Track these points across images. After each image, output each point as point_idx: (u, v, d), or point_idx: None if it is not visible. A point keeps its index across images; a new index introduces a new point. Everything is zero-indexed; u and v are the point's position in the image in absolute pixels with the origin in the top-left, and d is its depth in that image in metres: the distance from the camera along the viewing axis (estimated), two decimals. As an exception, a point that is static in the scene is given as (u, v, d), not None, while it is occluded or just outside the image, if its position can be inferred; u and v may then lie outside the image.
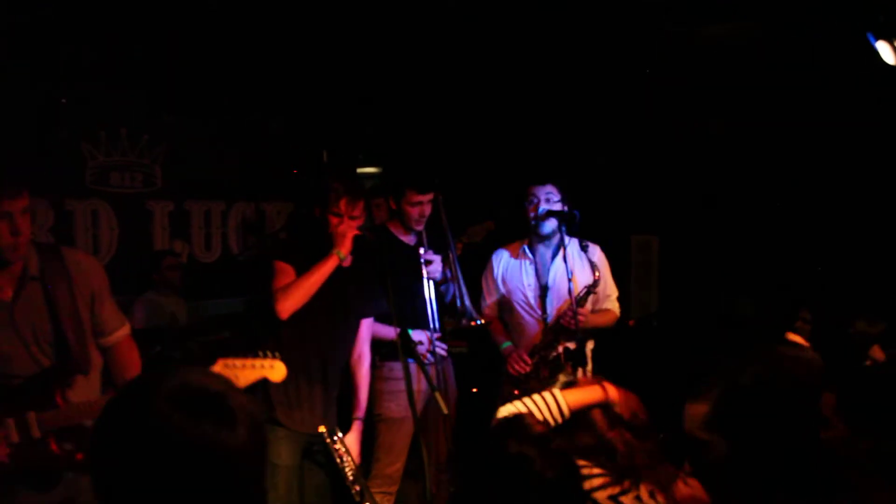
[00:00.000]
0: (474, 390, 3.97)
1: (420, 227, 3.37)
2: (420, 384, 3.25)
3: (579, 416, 1.93)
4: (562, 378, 3.41)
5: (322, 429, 2.80)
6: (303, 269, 2.82)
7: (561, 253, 3.38)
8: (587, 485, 1.74)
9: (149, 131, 4.95)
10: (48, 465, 2.17)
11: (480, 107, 5.22)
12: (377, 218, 4.16)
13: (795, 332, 3.34)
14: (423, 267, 3.30)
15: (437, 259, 3.35)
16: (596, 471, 1.79)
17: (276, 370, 2.32)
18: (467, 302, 3.33)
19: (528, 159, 4.80)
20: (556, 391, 1.96)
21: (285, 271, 2.82)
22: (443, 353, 3.39)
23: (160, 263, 4.78)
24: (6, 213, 2.08)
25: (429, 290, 3.33)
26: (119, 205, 4.86)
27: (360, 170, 5.86)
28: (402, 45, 4.85)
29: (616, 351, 3.69)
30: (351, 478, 2.77)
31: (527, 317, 3.51)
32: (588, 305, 3.44)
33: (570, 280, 3.27)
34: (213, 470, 0.98)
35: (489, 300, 3.63)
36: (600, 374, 2.18)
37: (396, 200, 3.40)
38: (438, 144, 5.21)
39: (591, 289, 3.39)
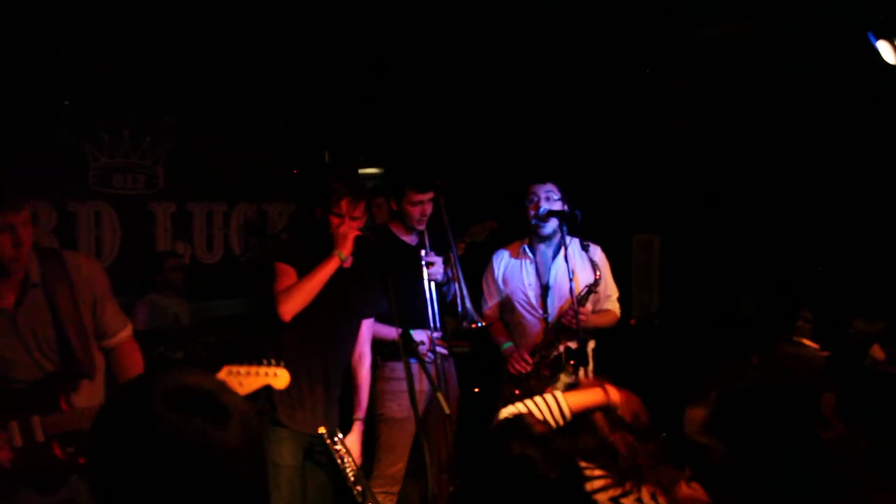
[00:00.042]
0: (476, 390, 3.98)
1: (421, 227, 3.38)
2: (422, 384, 3.25)
3: (581, 418, 1.93)
4: (563, 377, 3.42)
5: (322, 430, 2.81)
6: (304, 271, 2.82)
7: (562, 252, 3.39)
8: (588, 486, 1.74)
9: (151, 133, 4.96)
10: (51, 468, 2.18)
11: (482, 107, 5.23)
12: (378, 218, 4.17)
13: (796, 331, 3.35)
14: (425, 269, 3.31)
15: (438, 261, 3.36)
16: (597, 472, 1.79)
17: (279, 378, 2.34)
18: (468, 304, 3.33)
19: (529, 159, 4.80)
20: (558, 393, 1.96)
21: (287, 273, 2.83)
22: (443, 352, 3.40)
23: (163, 265, 4.79)
24: (9, 225, 2.09)
25: (430, 291, 3.34)
26: (122, 206, 4.87)
27: (361, 170, 5.87)
28: (403, 46, 4.85)
29: (617, 350, 3.69)
30: (352, 478, 2.78)
31: (528, 316, 3.51)
32: (588, 305, 3.45)
33: (571, 280, 3.28)
34: (207, 468, 0.99)
35: (490, 302, 3.64)
36: (601, 374, 2.18)
37: (397, 201, 3.40)
38: (440, 145, 5.21)
39: (593, 288, 3.40)
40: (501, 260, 3.63)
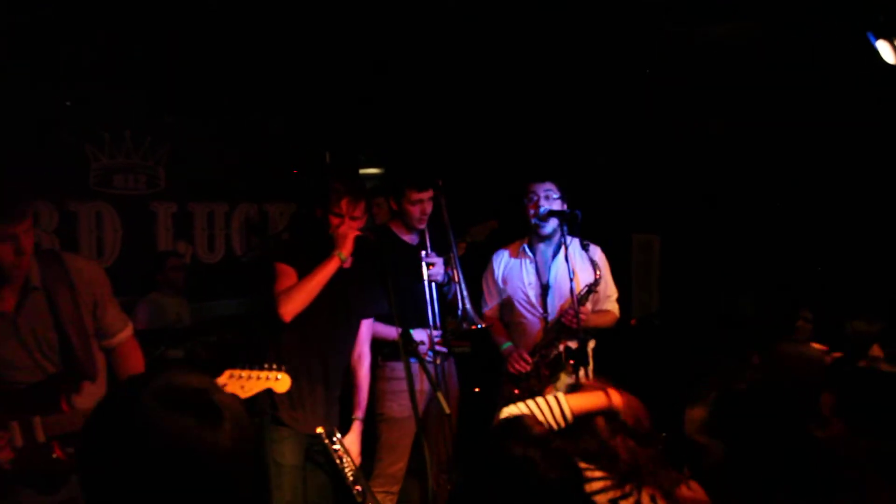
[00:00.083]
0: (476, 390, 3.99)
1: (422, 226, 3.38)
2: (422, 384, 3.26)
3: (582, 421, 1.92)
4: (563, 377, 3.44)
5: (320, 430, 2.81)
6: (304, 271, 2.82)
7: (562, 252, 3.39)
8: (588, 487, 1.75)
9: (152, 133, 4.97)
10: (52, 468, 2.19)
11: (482, 107, 5.23)
12: (378, 218, 4.18)
13: (796, 332, 3.35)
14: (426, 269, 3.31)
15: (439, 261, 3.37)
16: (598, 473, 1.79)
17: (281, 382, 2.36)
18: (468, 305, 3.34)
19: (529, 159, 4.81)
20: (560, 395, 1.95)
21: (287, 273, 2.83)
22: (443, 351, 3.41)
23: (164, 264, 4.80)
24: (11, 235, 2.10)
25: (430, 290, 3.35)
26: (123, 206, 4.88)
27: (361, 171, 5.88)
28: (403, 46, 4.86)
29: (617, 350, 3.70)
30: (351, 478, 2.78)
31: (528, 315, 3.52)
32: (588, 305, 3.45)
33: (571, 280, 3.28)
34: (199, 467, 0.99)
35: (490, 302, 3.64)
36: (602, 374, 2.17)
37: (397, 200, 3.41)
38: (441, 145, 5.22)
39: (593, 287, 3.40)
40: (501, 260, 3.64)
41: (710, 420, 1.69)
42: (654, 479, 1.82)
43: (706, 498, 1.80)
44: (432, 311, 3.35)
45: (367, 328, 3.11)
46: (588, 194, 3.87)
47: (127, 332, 2.47)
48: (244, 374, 2.33)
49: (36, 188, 4.36)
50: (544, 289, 3.49)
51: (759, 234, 4.86)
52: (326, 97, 5.31)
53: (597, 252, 3.50)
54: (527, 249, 3.57)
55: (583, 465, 1.77)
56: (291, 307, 2.76)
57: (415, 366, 2.95)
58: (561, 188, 3.49)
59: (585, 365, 3.42)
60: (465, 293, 3.35)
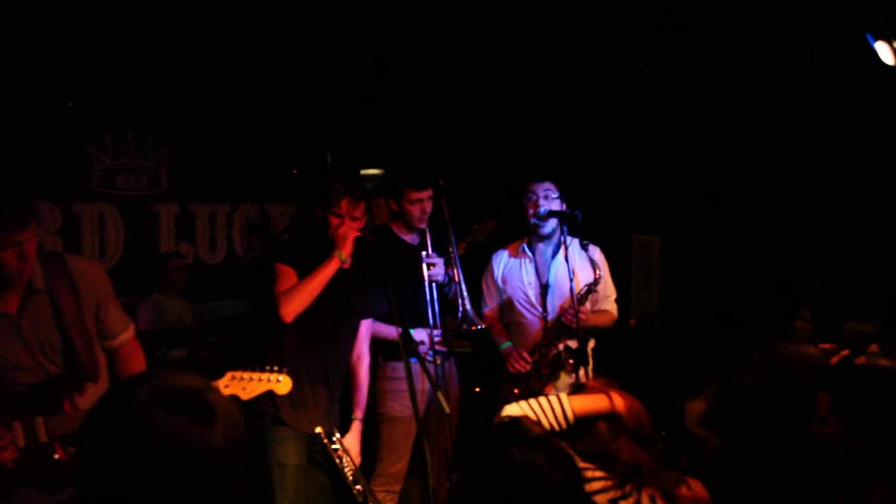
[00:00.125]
0: (477, 389, 4.00)
1: (422, 225, 3.39)
2: (423, 383, 3.27)
3: (583, 423, 1.93)
4: (563, 376, 3.45)
5: (319, 429, 2.82)
6: (304, 271, 2.83)
7: (561, 251, 3.40)
8: (588, 487, 1.75)
9: (154, 134, 4.98)
10: (54, 469, 2.20)
11: (482, 108, 5.24)
12: (378, 219, 4.19)
13: (795, 331, 3.36)
14: (426, 269, 3.33)
15: (440, 262, 3.38)
16: (598, 473, 1.79)
17: (282, 384, 2.38)
18: (468, 306, 3.35)
19: (530, 159, 4.82)
20: (563, 396, 1.94)
21: (287, 274, 2.84)
22: (444, 350, 3.42)
23: (166, 265, 4.82)
24: (15, 242, 2.12)
25: (431, 290, 3.36)
26: (125, 207, 4.90)
27: (362, 171, 5.89)
28: (403, 46, 4.87)
29: (617, 350, 3.71)
30: (350, 478, 2.79)
31: (528, 315, 3.53)
32: (588, 305, 3.46)
33: (571, 279, 3.29)
34: (192, 466, 1.00)
35: (490, 303, 3.66)
36: (603, 375, 2.17)
37: (396, 200, 3.42)
38: (442, 145, 5.23)
39: (592, 287, 3.42)
40: (501, 260, 3.65)
41: (709, 412, 1.70)
42: (655, 480, 1.82)
43: (707, 498, 1.80)
44: (433, 310, 3.36)
45: (366, 328, 3.12)
46: (588, 194, 3.88)
47: (129, 333, 2.49)
48: (246, 375, 2.36)
49: (39, 189, 4.39)
50: (544, 288, 3.51)
51: (758, 234, 4.86)
52: (327, 97, 5.32)
53: (596, 252, 3.51)
54: (526, 249, 3.58)
55: (583, 464, 1.78)
56: (292, 308, 2.77)
57: (415, 366, 2.96)
58: (560, 188, 3.50)
59: (585, 364, 3.43)
60: (465, 293, 3.36)
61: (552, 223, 3.47)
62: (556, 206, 3.46)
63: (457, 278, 3.39)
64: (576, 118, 5.16)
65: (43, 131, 4.40)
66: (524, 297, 3.54)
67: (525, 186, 3.52)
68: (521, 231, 3.64)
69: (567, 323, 3.35)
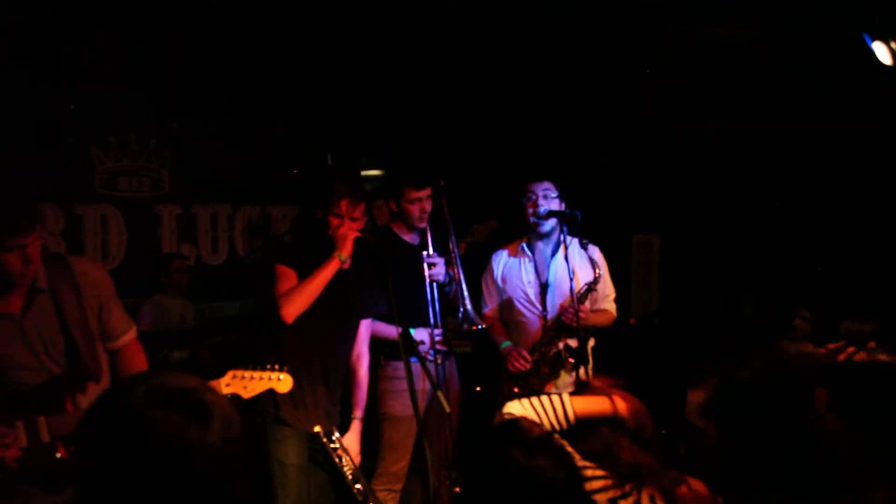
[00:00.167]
0: (478, 389, 4.01)
1: (422, 225, 3.40)
2: (424, 383, 3.28)
3: (584, 425, 1.93)
4: (563, 375, 3.46)
5: (318, 428, 2.83)
6: (305, 272, 2.84)
7: (561, 251, 3.41)
8: (588, 486, 1.75)
9: (156, 136, 5.01)
10: (56, 468, 2.22)
11: (482, 108, 5.25)
12: (378, 220, 4.20)
13: (794, 331, 3.36)
14: (427, 269, 3.34)
15: (440, 261, 3.39)
16: (598, 472, 1.80)
17: (283, 383, 2.40)
18: (469, 306, 3.36)
19: (530, 159, 4.83)
20: (566, 396, 1.92)
21: (287, 275, 2.85)
22: (444, 349, 3.43)
23: (168, 266, 4.84)
24: (20, 245, 2.13)
25: (431, 290, 3.37)
26: (128, 209, 4.93)
27: (363, 172, 5.91)
28: (403, 46, 4.88)
29: (617, 350, 3.72)
30: (350, 477, 2.80)
31: (528, 314, 3.54)
32: (587, 304, 3.47)
33: (571, 279, 3.30)
34: (188, 465, 1.01)
35: (490, 303, 3.66)
36: (604, 375, 2.17)
37: (396, 200, 3.43)
38: (442, 145, 5.24)
39: (592, 286, 3.42)
40: (500, 259, 3.66)
41: (708, 403, 1.70)
42: (655, 480, 1.83)
43: (707, 497, 1.81)
44: (433, 310, 3.37)
45: (365, 328, 3.14)
46: (588, 194, 3.89)
47: (131, 335, 2.50)
48: (247, 374, 2.38)
49: (42, 191, 4.41)
50: (543, 287, 3.52)
51: (758, 234, 4.86)
52: (327, 98, 5.34)
53: (595, 251, 3.52)
54: (525, 248, 3.59)
55: (582, 463, 1.78)
56: (293, 309, 2.79)
57: (416, 365, 2.97)
58: (559, 187, 3.51)
59: (585, 363, 3.44)
60: (466, 293, 3.37)
61: (551, 222, 3.48)
62: (555, 205, 3.47)
63: (457, 278, 3.40)
64: (575, 118, 5.17)
65: (45, 133, 4.42)
66: (524, 297, 3.55)
67: (524, 186, 3.53)
68: (520, 231, 3.65)
69: (567, 322, 3.36)
